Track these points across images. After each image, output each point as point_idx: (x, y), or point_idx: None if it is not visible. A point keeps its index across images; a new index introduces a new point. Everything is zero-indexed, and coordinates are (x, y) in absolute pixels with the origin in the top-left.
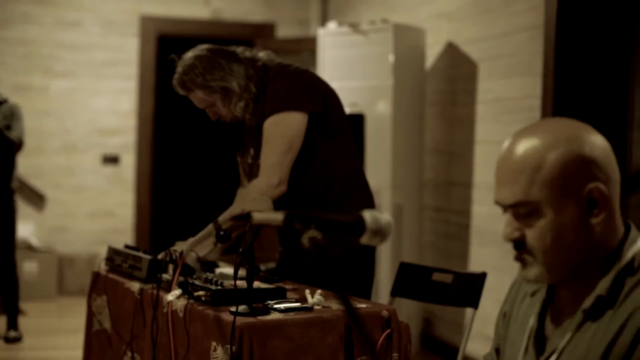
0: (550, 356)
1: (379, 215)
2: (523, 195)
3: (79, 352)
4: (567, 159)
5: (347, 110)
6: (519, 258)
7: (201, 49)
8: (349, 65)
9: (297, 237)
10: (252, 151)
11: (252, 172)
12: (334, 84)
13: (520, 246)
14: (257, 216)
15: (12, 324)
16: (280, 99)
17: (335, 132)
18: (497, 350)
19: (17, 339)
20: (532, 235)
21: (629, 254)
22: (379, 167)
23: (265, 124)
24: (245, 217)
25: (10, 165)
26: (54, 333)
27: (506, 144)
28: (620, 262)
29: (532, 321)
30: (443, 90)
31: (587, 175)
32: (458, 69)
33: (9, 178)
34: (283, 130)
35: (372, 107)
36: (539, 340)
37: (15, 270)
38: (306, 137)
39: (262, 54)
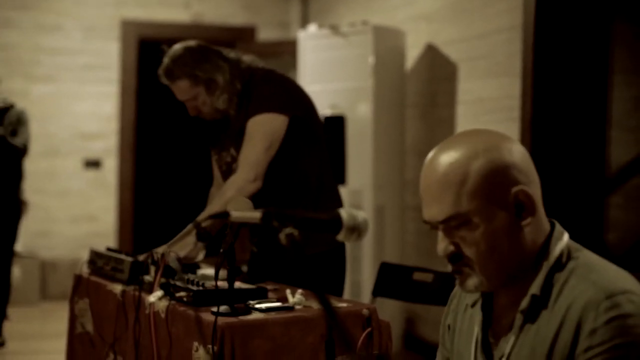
0: None
1: (356, 212)
2: (452, 209)
3: (62, 357)
4: (489, 167)
5: (328, 112)
6: (456, 271)
7: (190, 42)
8: (330, 68)
9: (274, 235)
10: (232, 151)
11: (231, 170)
12: (314, 86)
13: (456, 259)
14: (235, 214)
15: None
16: (265, 100)
17: (313, 139)
18: None
19: (1, 345)
20: (467, 247)
21: (556, 251)
22: (360, 168)
23: (249, 122)
24: (223, 215)
25: (17, 172)
26: (37, 338)
27: (427, 161)
28: (549, 259)
29: (476, 331)
30: (423, 91)
31: (511, 180)
32: (438, 70)
33: (17, 186)
34: (265, 130)
35: (352, 108)
36: (486, 348)
37: (9, 278)
38: (286, 141)
39: (246, 57)
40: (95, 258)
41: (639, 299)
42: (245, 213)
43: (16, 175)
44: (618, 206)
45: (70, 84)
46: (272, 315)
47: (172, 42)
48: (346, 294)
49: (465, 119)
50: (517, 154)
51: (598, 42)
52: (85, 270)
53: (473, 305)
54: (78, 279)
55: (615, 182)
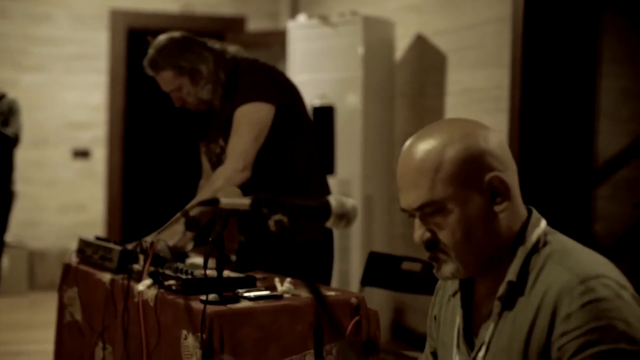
0: (479, 350)
1: (345, 199)
2: (427, 196)
3: (51, 346)
4: (464, 153)
5: (317, 102)
6: (432, 258)
7: (175, 33)
8: (319, 58)
9: (263, 222)
10: (221, 142)
11: (221, 161)
12: (304, 77)
13: (432, 246)
14: (225, 201)
15: None
16: (251, 90)
17: (299, 127)
18: (433, 354)
19: None
20: (442, 233)
21: (533, 237)
22: (349, 158)
23: (236, 112)
24: (213, 202)
25: (8, 162)
26: (26, 328)
27: (404, 150)
28: (525, 245)
29: (457, 320)
30: (412, 81)
31: (485, 166)
32: (427, 60)
33: (7, 176)
34: (252, 120)
35: (342, 99)
36: (468, 336)
37: None
38: (273, 130)
39: (231, 48)
40: (84, 247)
41: (612, 282)
42: (235, 200)
43: (7, 165)
44: (606, 197)
45: (59, 74)
46: (261, 303)
47: (160, 32)
48: (334, 284)
49: (454, 110)
50: (493, 141)
51: (587, 33)
52: (74, 259)
53: (454, 294)
54: (67, 268)
55: (603, 174)
